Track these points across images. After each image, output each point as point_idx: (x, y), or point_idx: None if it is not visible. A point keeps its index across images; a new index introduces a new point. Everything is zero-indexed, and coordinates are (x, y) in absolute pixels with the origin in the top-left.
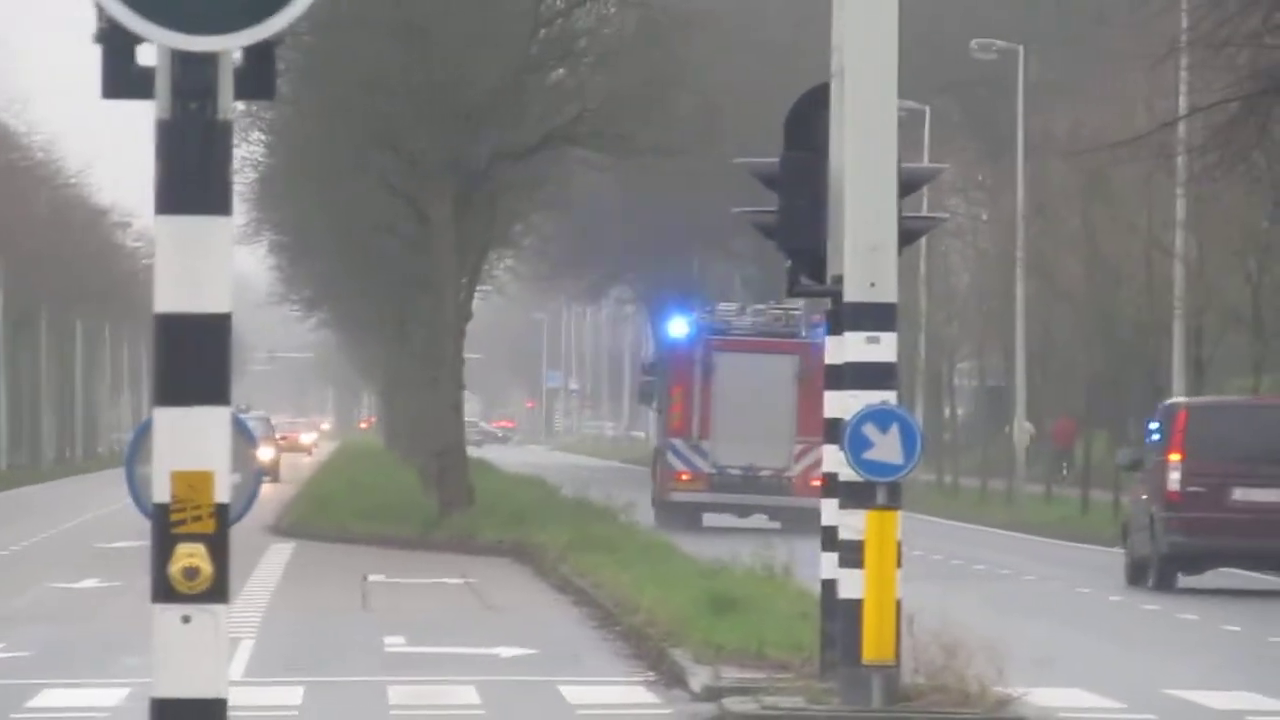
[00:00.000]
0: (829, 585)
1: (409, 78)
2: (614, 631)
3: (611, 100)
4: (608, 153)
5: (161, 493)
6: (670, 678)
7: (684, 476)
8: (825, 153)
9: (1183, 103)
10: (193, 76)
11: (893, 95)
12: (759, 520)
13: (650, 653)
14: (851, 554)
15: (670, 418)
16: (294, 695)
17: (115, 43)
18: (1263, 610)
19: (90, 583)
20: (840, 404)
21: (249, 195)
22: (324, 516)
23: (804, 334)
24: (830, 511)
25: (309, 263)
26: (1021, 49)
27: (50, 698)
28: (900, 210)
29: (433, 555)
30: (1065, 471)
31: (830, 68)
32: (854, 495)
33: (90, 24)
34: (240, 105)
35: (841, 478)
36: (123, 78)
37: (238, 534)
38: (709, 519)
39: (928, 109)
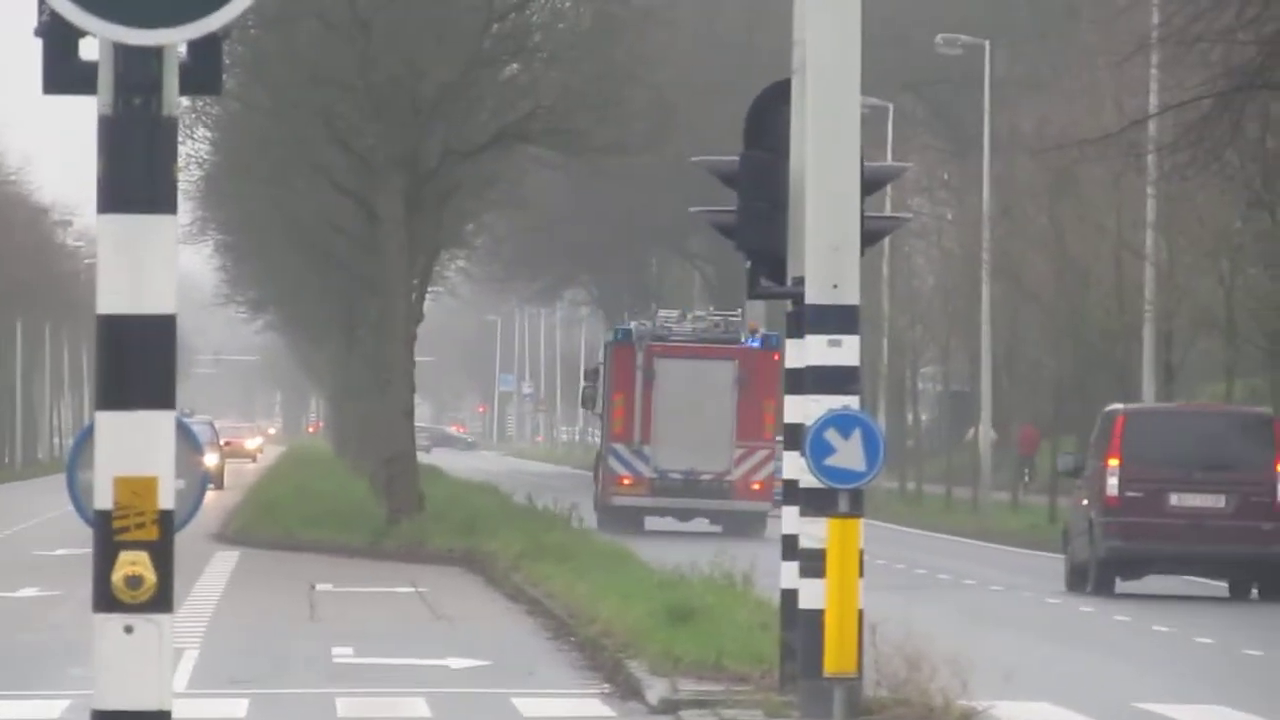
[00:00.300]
0: (789, 595)
1: (358, 73)
2: (569, 642)
3: (566, 97)
4: (562, 150)
5: (104, 499)
6: (626, 690)
7: (626, 481)
8: (786, 151)
9: (1153, 100)
10: (136, 71)
11: (855, 91)
12: (700, 524)
13: (606, 664)
14: (812, 563)
15: (612, 423)
16: (239, 707)
17: (57, 36)
18: (1233, 619)
19: (30, 592)
20: (801, 409)
21: (194, 193)
22: (270, 523)
23: (743, 340)
24: (790, 519)
25: (255, 263)
26: (988, 44)
27: None
28: (863, 210)
29: (382, 564)
30: (1028, 479)
31: (791, 63)
32: (815, 502)
33: (31, 17)
34: (185, 101)
35: (802, 484)
36: (64, 72)
37: (182, 541)
38: (650, 522)
39: (891, 106)
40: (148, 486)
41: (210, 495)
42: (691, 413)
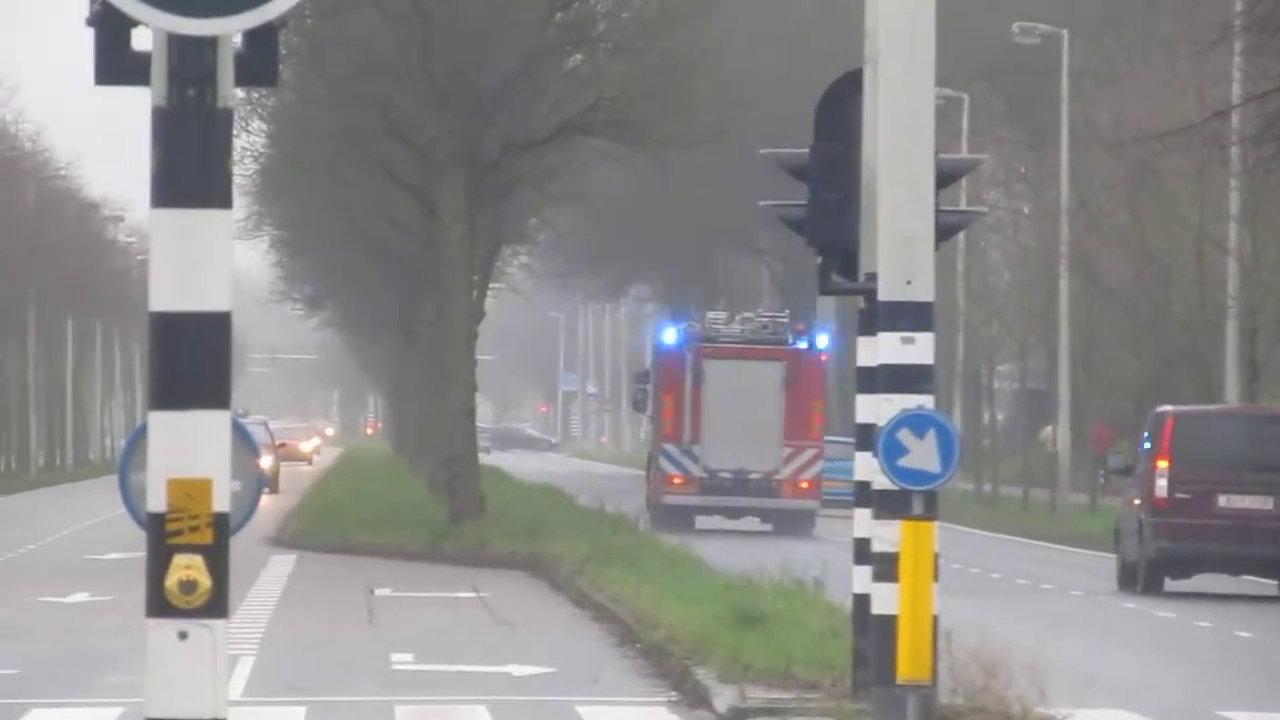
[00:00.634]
0: (861, 600)
1: (418, 64)
2: (634, 649)
3: (630, 88)
4: (626, 143)
5: (157, 501)
6: (694, 698)
7: (676, 480)
8: (857, 143)
9: (1236, 90)
10: (191, 62)
11: (930, 82)
12: (750, 522)
13: (673, 671)
14: (885, 567)
15: (662, 423)
16: (296, 715)
17: (109, 26)
18: None
19: (81, 596)
20: (873, 408)
21: (249, 188)
22: (328, 526)
23: (790, 341)
24: (863, 522)
25: (312, 259)
26: (1066, 33)
27: (39, 718)
28: (937, 204)
29: (442, 567)
30: (1104, 480)
31: (863, 53)
32: (888, 505)
33: (83, 6)
34: (240, 92)
35: (875, 486)
36: (117, 63)
37: (237, 545)
38: (701, 521)
39: (966, 97)
40: (202, 488)
41: (265, 499)
42: (740, 413)
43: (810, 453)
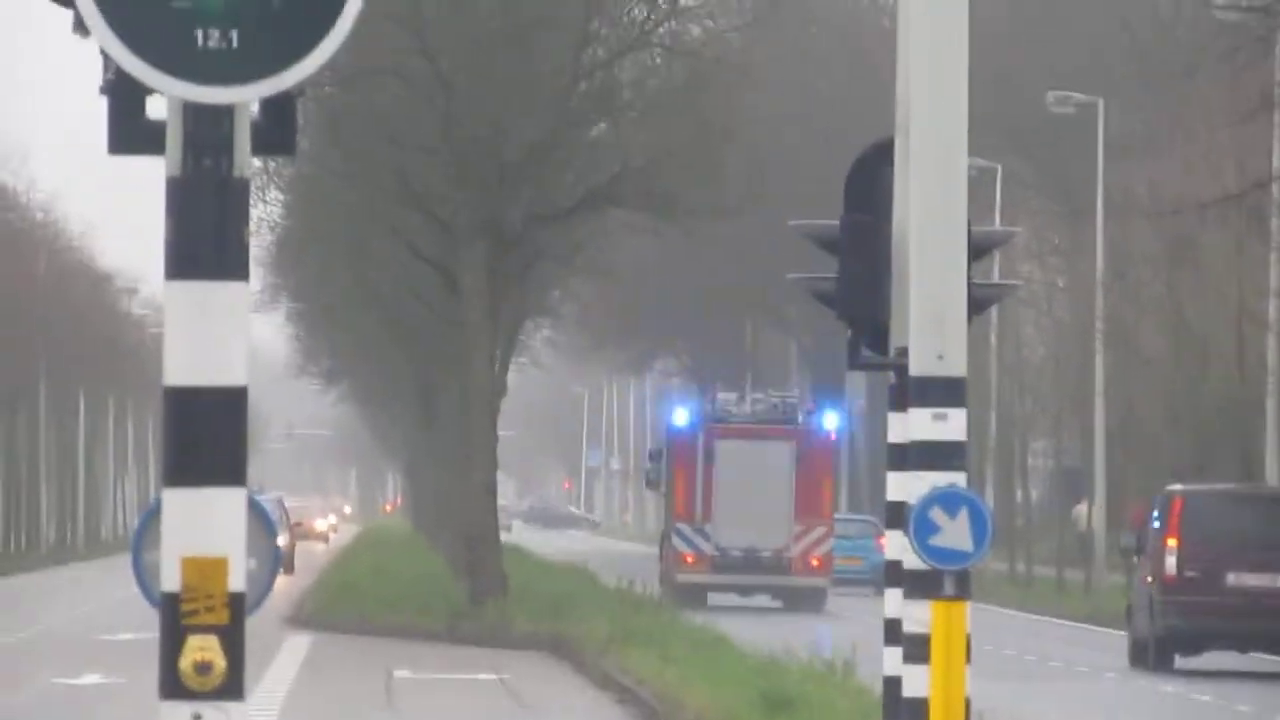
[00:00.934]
0: (892, 683)
1: (439, 134)
2: None
3: (656, 157)
4: (652, 214)
5: (171, 580)
6: None
7: (689, 559)
8: (888, 214)
9: (1276, 161)
10: (206, 130)
11: (962, 152)
12: (762, 599)
13: None
14: (916, 648)
15: (674, 502)
16: None
17: (123, 94)
18: None
19: (93, 678)
20: (904, 486)
21: (266, 259)
22: (346, 606)
23: (800, 421)
24: (893, 602)
25: (330, 332)
26: (1101, 102)
27: None
28: (970, 277)
29: (463, 649)
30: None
31: (894, 121)
32: (919, 584)
33: (97, 74)
34: (258, 162)
35: (906, 565)
36: (131, 132)
37: (253, 625)
38: (713, 598)
39: (999, 167)
40: (217, 568)
41: (279, 580)
42: (751, 492)
43: (820, 530)
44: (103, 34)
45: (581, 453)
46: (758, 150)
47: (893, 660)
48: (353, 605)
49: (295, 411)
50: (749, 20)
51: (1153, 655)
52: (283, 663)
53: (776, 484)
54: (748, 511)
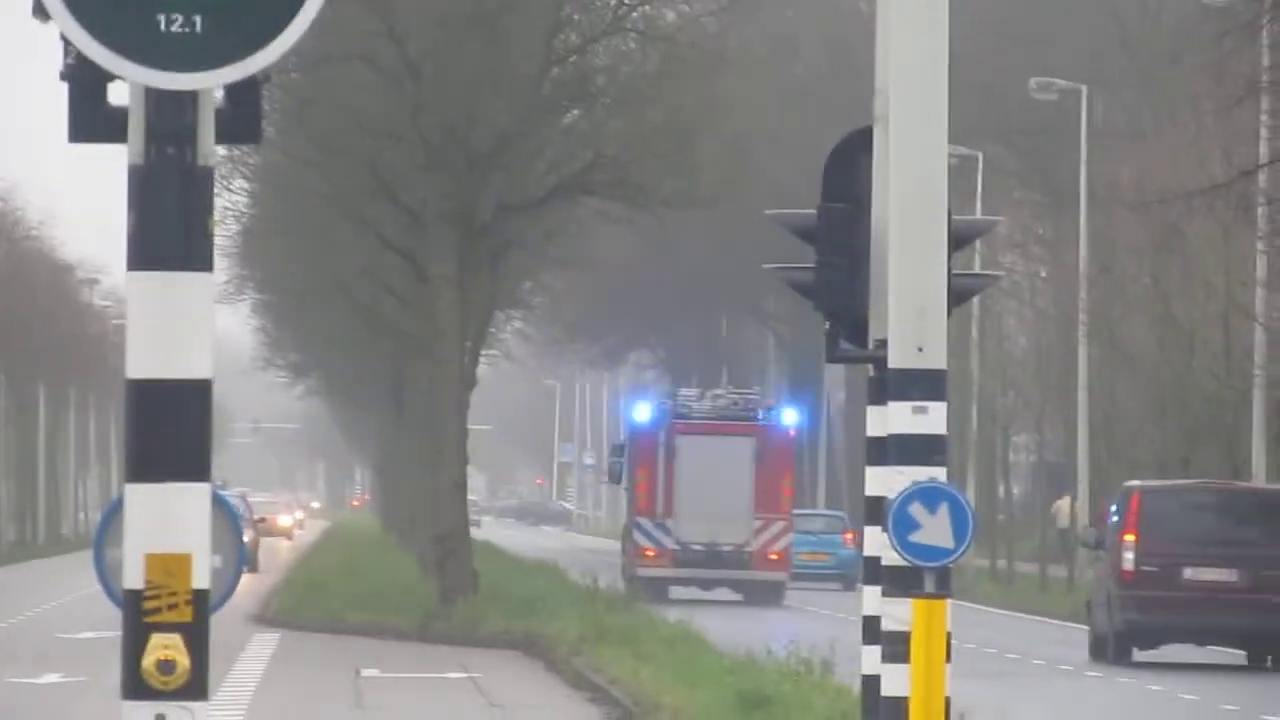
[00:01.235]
0: (870, 681)
1: (408, 121)
2: None
3: (630, 145)
4: (626, 203)
5: (134, 578)
6: None
7: (650, 553)
8: (867, 204)
9: (1263, 149)
10: (169, 118)
11: (942, 140)
12: (723, 593)
13: None
14: (896, 647)
15: (637, 497)
16: None
17: (84, 80)
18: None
19: (53, 678)
20: (884, 481)
21: (231, 249)
22: (313, 604)
23: (760, 417)
24: (872, 600)
25: (296, 324)
26: (1085, 89)
27: None
28: (950, 267)
29: (433, 648)
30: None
31: (872, 110)
32: (899, 582)
33: (56, 60)
34: (222, 150)
35: (885, 562)
36: (92, 119)
37: (217, 624)
38: (675, 592)
39: (981, 155)
40: (181, 564)
41: (243, 579)
42: (711, 487)
43: (779, 525)
44: (62, 18)
45: (554, 448)
46: (734, 139)
47: (871, 659)
48: (320, 604)
49: (261, 405)
50: (724, 4)
51: (1112, 649)
52: (248, 662)
53: (736, 479)
54: (708, 506)
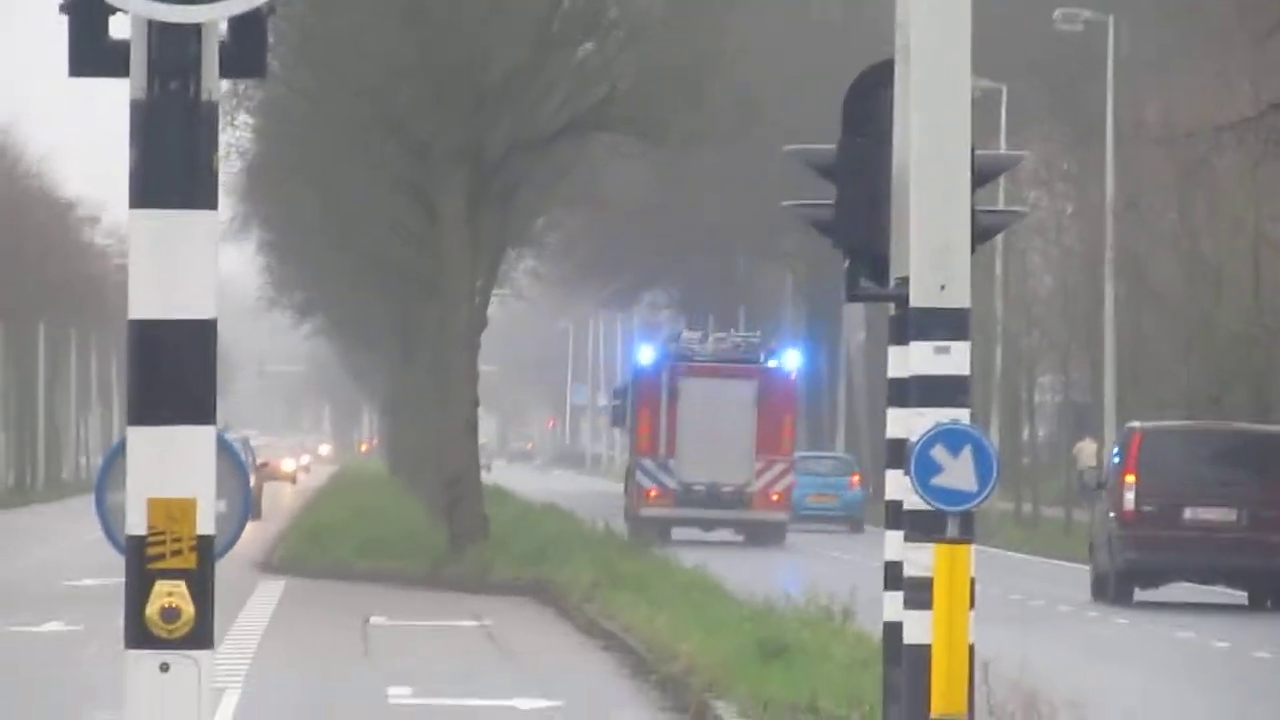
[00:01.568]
0: (892, 629)
1: (416, 56)
2: (649, 681)
3: (644, 80)
4: (641, 139)
5: (137, 523)
6: None
7: (652, 493)
8: (888, 139)
9: None
10: (172, 51)
11: (965, 74)
12: (724, 533)
13: (690, 705)
14: (918, 593)
15: (639, 438)
16: None
17: (85, 13)
18: None
19: (54, 626)
20: (905, 423)
21: (235, 187)
22: (320, 550)
23: (762, 360)
24: (894, 545)
25: (302, 263)
26: (1111, 20)
27: None
28: (974, 204)
29: (443, 594)
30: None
31: (894, 44)
32: (921, 526)
33: None
34: (226, 84)
35: (906, 506)
36: (93, 53)
37: (222, 570)
38: (677, 532)
39: (1005, 89)
40: (185, 509)
41: (247, 525)
42: (713, 428)
43: (781, 466)
44: None
45: (566, 389)
46: (751, 73)
47: (893, 605)
48: (327, 550)
49: (266, 346)
50: None
51: (1113, 589)
52: (254, 609)
53: (738, 421)
54: (710, 447)
